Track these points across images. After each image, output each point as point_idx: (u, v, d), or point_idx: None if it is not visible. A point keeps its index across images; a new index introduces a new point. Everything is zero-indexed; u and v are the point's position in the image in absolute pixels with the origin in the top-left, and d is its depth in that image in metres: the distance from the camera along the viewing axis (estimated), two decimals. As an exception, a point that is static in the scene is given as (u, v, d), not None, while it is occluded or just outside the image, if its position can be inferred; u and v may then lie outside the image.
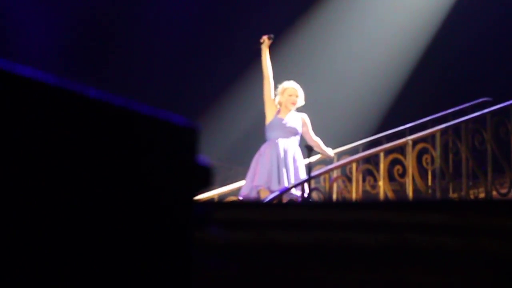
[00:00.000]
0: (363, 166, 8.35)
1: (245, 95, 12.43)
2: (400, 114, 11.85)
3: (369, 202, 2.55)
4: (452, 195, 8.48)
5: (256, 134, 9.05)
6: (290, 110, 8.16)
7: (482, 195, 8.21)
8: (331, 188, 8.33)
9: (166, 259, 1.63)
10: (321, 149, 8.36)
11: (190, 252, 1.65)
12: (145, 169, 1.61)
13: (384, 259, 2.38)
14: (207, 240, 1.81)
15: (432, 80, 12.77)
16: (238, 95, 12.91)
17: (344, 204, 2.56)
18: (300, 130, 8.12)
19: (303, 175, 7.76)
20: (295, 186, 7.50)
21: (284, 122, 8.07)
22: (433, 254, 2.33)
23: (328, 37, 13.20)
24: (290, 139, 8.01)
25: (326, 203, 2.51)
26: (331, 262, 2.38)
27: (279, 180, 7.71)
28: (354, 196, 8.07)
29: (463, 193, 8.33)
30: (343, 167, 8.38)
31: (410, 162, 8.25)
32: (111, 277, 1.55)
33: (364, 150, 9.63)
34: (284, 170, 7.79)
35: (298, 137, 8.10)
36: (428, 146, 8.43)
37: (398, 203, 2.47)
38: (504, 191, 8.23)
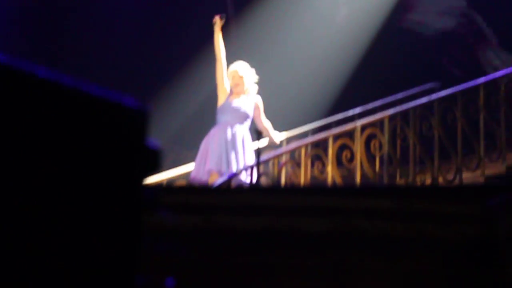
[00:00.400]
0: (312, 151, 8.37)
1: (195, 77, 12.39)
2: (350, 99, 11.91)
3: (316, 188, 2.55)
4: (399, 181, 8.56)
5: (205, 117, 8.98)
6: (238, 94, 8.08)
7: (428, 181, 8.30)
8: (279, 173, 8.34)
9: (113, 242, 1.62)
10: (269, 134, 8.35)
11: (138, 236, 1.63)
12: (93, 150, 1.60)
13: (331, 244, 2.39)
14: (156, 224, 1.80)
15: (382, 65, 12.84)
16: (188, 78, 12.86)
17: (291, 189, 2.56)
18: (251, 114, 8.07)
19: (252, 160, 7.76)
20: (243, 170, 7.49)
21: (234, 106, 8.01)
22: (379, 239, 2.34)
23: (280, 21, 13.21)
24: (239, 123, 7.97)
25: (274, 188, 2.51)
26: (279, 246, 2.39)
27: (228, 164, 7.69)
28: (302, 181, 8.09)
29: (410, 179, 8.41)
30: (292, 152, 8.40)
31: (358, 147, 8.30)
32: (60, 259, 1.53)
33: (313, 135, 9.66)
34: (233, 154, 7.77)
35: (248, 121, 8.06)
36: (377, 131, 8.48)
37: (345, 189, 2.48)
38: (450, 177, 8.33)
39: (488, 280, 2.20)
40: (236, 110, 8.01)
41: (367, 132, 8.43)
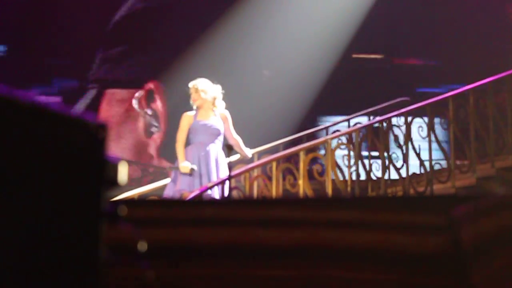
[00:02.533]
0: (283, 165, 8.39)
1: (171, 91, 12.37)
2: (321, 113, 11.97)
3: (281, 200, 2.55)
4: (371, 193, 8.59)
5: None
6: (207, 111, 8.08)
7: (400, 194, 8.33)
8: (251, 187, 8.34)
9: (75, 256, 1.61)
10: (240, 148, 8.35)
11: (98, 249, 1.63)
12: (52, 165, 1.59)
13: (299, 256, 2.39)
14: (120, 238, 1.79)
15: (353, 79, 12.91)
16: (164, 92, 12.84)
17: (258, 201, 2.56)
18: (222, 130, 8.07)
19: (224, 176, 7.75)
20: (215, 185, 7.48)
21: (203, 124, 8.01)
22: (347, 250, 2.35)
23: (250, 36, 13.23)
24: (211, 142, 7.97)
25: (241, 201, 2.51)
26: (247, 259, 2.38)
27: (201, 185, 7.68)
28: (274, 194, 8.10)
29: (381, 191, 8.44)
30: (263, 166, 8.41)
31: (329, 161, 8.33)
32: (19, 272, 1.52)
33: (284, 149, 9.67)
34: (206, 175, 7.77)
35: (220, 138, 8.06)
36: (347, 145, 8.51)
37: (311, 201, 2.49)
38: (421, 189, 8.36)
39: (453, 290, 2.21)
40: (207, 129, 8.00)
41: (338, 145, 8.47)
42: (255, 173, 8.34)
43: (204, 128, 8.00)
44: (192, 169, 7.76)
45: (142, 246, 1.82)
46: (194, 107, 8.14)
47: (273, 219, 2.37)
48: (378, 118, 8.81)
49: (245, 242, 2.35)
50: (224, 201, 2.46)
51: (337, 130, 9.62)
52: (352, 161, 8.49)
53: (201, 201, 2.37)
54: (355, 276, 2.33)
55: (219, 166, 7.89)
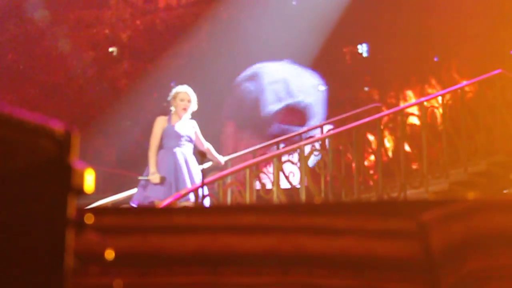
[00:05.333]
0: (257, 172, 8.37)
1: (136, 101, 12.31)
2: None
3: (250, 206, 2.54)
4: (345, 199, 8.59)
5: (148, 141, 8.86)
6: (181, 117, 8.03)
7: (373, 199, 8.35)
8: (225, 194, 8.31)
9: (40, 265, 1.59)
10: (213, 155, 8.32)
11: (65, 258, 1.60)
12: (17, 173, 1.57)
13: (271, 262, 2.38)
14: (87, 247, 1.77)
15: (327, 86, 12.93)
16: (129, 101, 12.77)
17: (228, 208, 2.55)
18: (193, 137, 8.03)
19: (197, 182, 7.71)
20: (189, 192, 7.44)
21: (177, 130, 7.96)
22: (317, 256, 2.34)
23: (220, 43, 13.19)
24: (185, 147, 7.91)
25: (210, 208, 2.49)
26: (217, 266, 2.37)
27: (174, 191, 7.61)
28: (248, 201, 8.08)
29: (355, 197, 8.45)
30: (237, 172, 8.40)
31: (303, 167, 8.33)
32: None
33: (258, 156, 9.66)
34: (179, 182, 7.71)
35: (191, 144, 8.02)
36: (320, 151, 8.52)
37: (280, 207, 2.48)
38: (394, 195, 8.38)
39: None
40: (180, 134, 7.95)
41: (312, 151, 8.47)
42: (229, 180, 8.32)
43: (177, 134, 7.94)
44: (162, 178, 7.71)
45: (110, 254, 1.80)
46: (173, 111, 8.03)
47: (243, 225, 2.36)
48: (352, 125, 8.83)
49: (215, 250, 2.33)
50: (193, 209, 2.44)
51: (311, 137, 9.63)
52: (326, 167, 8.50)
53: (170, 209, 2.35)
54: (327, 282, 2.32)
55: (192, 172, 7.83)
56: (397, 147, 8.67)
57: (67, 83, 12.74)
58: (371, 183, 8.53)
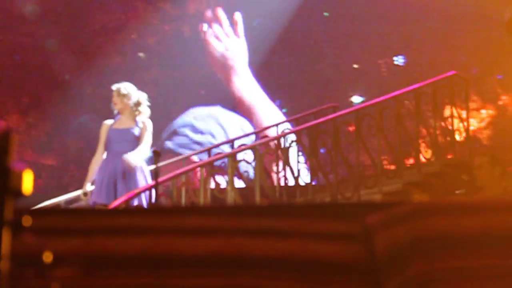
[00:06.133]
0: (212, 171, 8.35)
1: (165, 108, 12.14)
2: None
3: (194, 208, 2.52)
4: (299, 199, 8.60)
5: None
6: (128, 118, 7.71)
7: (327, 199, 8.37)
8: (179, 193, 8.26)
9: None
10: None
11: (1, 261, 1.58)
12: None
13: (215, 264, 2.36)
14: (25, 249, 1.74)
15: (278, 84, 12.93)
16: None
17: (171, 210, 2.53)
18: (135, 135, 7.67)
19: (143, 182, 7.56)
20: (139, 193, 7.35)
21: (118, 130, 7.69)
22: (262, 258, 2.33)
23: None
24: (128, 149, 7.57)
25: (154, 210, 2.47)
26: (161, 268, 2.35)
27: (115, 195, 7.33)
28: (202, 201, 8.05)
29: (309, 197, 8.46)
30: (191, 171, 8.36)
31: (258, 166, 8.32)
32: None
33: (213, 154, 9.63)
34: (122, 184, 7.42)
35: (136, 144, 7.65)
36: (275, 151, 8.53)
37: (225, 209, 2.47)
38: (348, 195, 8.40)
39: (367, 297, 2.21)
40: (122, 136, 7.69)
41: (266, 151, 8.47)
42: (183, 179, 8.27)
43: (119, 135, 7.68)
44: (84, 194, 7.54)
45: (48, 257, 1.77)
46: (115, 112, 7.79)
47: (187, 227, 2.34)
48: (306, 124, 8.83)
49: (159, 251, 2.31)
50: (137, 210, 2.42)
51: (266, 136, 9.63)
52: (281, 167, 8.50)
53: (113, 210, 2.33)
54: (271, 284, 2.32)
55: (137, 174, 7.54)
56: (351, 147, 8.68)
57: (94, 91, 12.53)
58: (325, 184, 8.54)
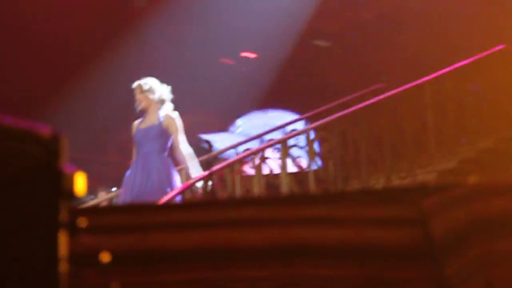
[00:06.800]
0: (264, 158, 8.35)
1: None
2: (300, 101, 11.91)
3: (249, 200, 2.52)
4: (353, 182, 8.57)
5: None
6: (152, 115, 7.33)
7: (382, 181, 8.32)
8: (233, 181, 8.28)
9: (33, 271, 1.58)
10: (186, 164, 7.38)
11: (58, 263, 1.59)
12: (4, 181, 1.55)
13: (273, 255, 2.36)
14: (82, 250, 1.75)
15: (332, 67, 12.83)
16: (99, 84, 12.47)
17: (227, 202, 2.53)
18: (167, 133, 7.27)
19: (173, 182, 7.16)
20: (194, 183, 7.32)
21: (142, 130, 7.33)
22: (320, 247, 2.32)
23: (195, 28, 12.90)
24: (153, 148, 7.25)
25: (209, 203, 2.48)
26: (220, 261, 2.35)
27: (141, 196, 6.99)
28: (257, 188, 8.06)
29: (363, 179, 8.42)
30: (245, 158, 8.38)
31: (310, 151, 8.31)
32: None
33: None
34: (144, 186, 7.07)
35: (164, 142, 7.28)
36: (327, 134, 8.51)
37: (279, 199, 2.46)
38: (403, 174, 8.35)
39: (428, 283, 2.19)
40: (146, 135, 7.31)
41: (319, 135, 8.46)
42: (237, 167, 8.29)
43: (143, 135, 7.31)
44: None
45: (105, 257, 1.78)
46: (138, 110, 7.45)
47: (243, 219, 2.34)
48: (357, 106, 8.78)
49: (216, 245, 2.31)
50: (192, 204, 2.43)
51: (317, 119, 9.61)
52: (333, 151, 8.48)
53: (169, 205, 2.34)
54: (329, 273, 2.30)
55: (163, 174, 7.14)
56: (403, 128, 8.60)
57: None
58: (380, 165, 8.49)
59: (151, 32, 12.55)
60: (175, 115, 7.38)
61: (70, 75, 12.27)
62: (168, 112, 7.37)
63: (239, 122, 13.48)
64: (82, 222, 1.68)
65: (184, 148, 7.28)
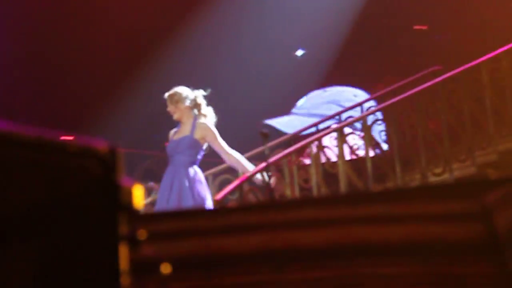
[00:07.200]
0: (322, 147, 8.32)
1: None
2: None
3: (308, 200, 2.51)
4: (412, 167, 8.50)
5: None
6: (186, 125, 7.21)
7: (417, 178, 8.22)
8: (291, 172, 8.26)
9: (95, 286, 1.58)
10: (241, 164, 7.37)
11: (120, 277, 1.59)
12: (64, 198, 1.56)
13: (333, 256, 2.34)
14: (142, 262, 1.75)
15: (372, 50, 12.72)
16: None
17: (285, 203, 2.52)
18: (198, 143, 7.13)
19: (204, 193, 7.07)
20: (255, 174, 7.34)
21: (173, 141, 7.26)
22: (381, 246, 2.29)
23: (233, 36, 12.83)
24: (184, 158, 7.11)
25: (267, 205, 2.47)
26: (280, 263, 2.34)
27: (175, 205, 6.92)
28: (314, 178, 8.04)
29: (422, 165, 8.34)
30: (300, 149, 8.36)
31: (366, 138, 8.27)
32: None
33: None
34: (176, 197, 6.95)
35: (194, 152, 7.16)
36: (384, 119, 8.46)
37: (338, 198, 2.44)
38: (439, 171, 8.24)
39: (492, 278, 2.15)
40: (176, 145, 7.22)
41: (375, 121, 8.40)
42: (293, 157, 8.27)
43: (173, 148, 7.22)
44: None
45: (166, 268, 1.78)
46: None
47: (302, 220, 2.32)
48: (413, 91, 8.68)
49: (276, 247, 2.30)
50: (251, 207, 2.42)
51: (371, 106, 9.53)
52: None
53: (228, 209, 2.34)
54: (392, 271, 2.27)
55: (194, 185, 7.00)
56: (461, 109, 8.49)
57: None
58: (438, 149, 8.40)
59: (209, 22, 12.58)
60: (209, 121, 7.21)
61: (125, 75, 12.38)
62: (201, 120, 7.19)
63: (300, 102, 13.45)
64: (142, 234, 1.68)
65: (229, 151, 7.16)
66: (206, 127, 7.15)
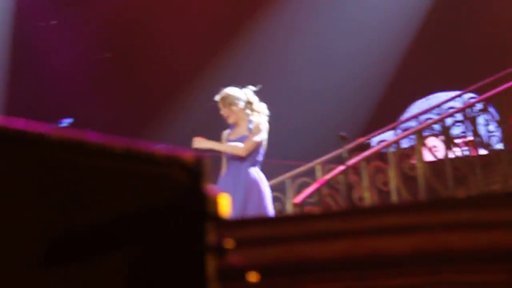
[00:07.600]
0: (401, 149, 8.26)
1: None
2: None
3: (390, 207, 2.49)
4: (493, 167, 8.37)
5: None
6: (242, 126, 7.01)
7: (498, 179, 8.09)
8: (370, 174, 8.22)
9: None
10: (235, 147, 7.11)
11: (207, 286, 1.61)
12: (151, 208, 1.58)
13: (418, 262, 2.32)
14: (230, 268, 1.77)
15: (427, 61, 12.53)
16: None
17: (368, 210, 2.51)
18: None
19: (265, 195, 6.85)
20: (330, 179, 7.35)
21: (230, 142, 7.06)
22: (466, 253, 2.27)
23: (292, 42, 12.77)
24: (241, 160, 6.87)
25: (351, 211, 2.46)
26: (365, 271, 2.33)
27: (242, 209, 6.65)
28: (394, 181, 7.98)
29: (504, 165, 8.21)
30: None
31: (446, 139, 8.18)
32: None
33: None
34: (239, 200, 6.69)
35: (251, 154, 6.91)
36: (462, 122, 8.35)
37: (422, 204, 2.42)
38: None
39: None
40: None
41: (454, 122, 8.29)
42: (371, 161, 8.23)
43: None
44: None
45: (253, 277, 1.79)
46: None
47: (386, 227, 2.31)
48: (499, 88, 8.54)
49: (359, 254, 2.29)
50: (333, 214, 2.41)
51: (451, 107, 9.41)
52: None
53: (312, 215, 2.34)
54: (478, 278, 2.25)
55: (254, 187, 6.77)
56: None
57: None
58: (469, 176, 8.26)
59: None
60: (262, 117, 7.00)
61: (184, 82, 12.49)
62: (255, 118, 6.98)
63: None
64: (229, 243, 1.70)
65: (244, 148, 6.87)
66: (259, 124, 6.92)
